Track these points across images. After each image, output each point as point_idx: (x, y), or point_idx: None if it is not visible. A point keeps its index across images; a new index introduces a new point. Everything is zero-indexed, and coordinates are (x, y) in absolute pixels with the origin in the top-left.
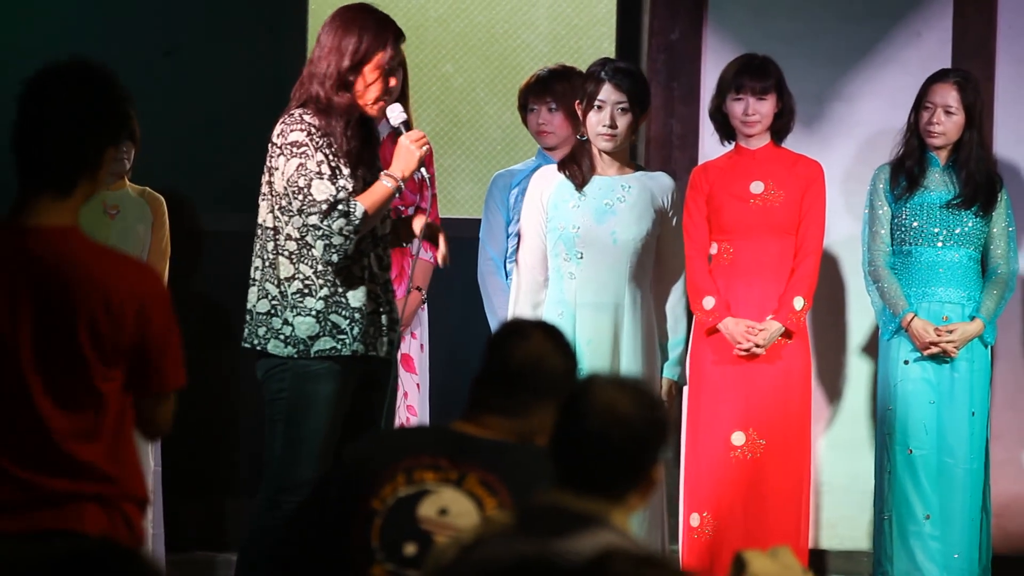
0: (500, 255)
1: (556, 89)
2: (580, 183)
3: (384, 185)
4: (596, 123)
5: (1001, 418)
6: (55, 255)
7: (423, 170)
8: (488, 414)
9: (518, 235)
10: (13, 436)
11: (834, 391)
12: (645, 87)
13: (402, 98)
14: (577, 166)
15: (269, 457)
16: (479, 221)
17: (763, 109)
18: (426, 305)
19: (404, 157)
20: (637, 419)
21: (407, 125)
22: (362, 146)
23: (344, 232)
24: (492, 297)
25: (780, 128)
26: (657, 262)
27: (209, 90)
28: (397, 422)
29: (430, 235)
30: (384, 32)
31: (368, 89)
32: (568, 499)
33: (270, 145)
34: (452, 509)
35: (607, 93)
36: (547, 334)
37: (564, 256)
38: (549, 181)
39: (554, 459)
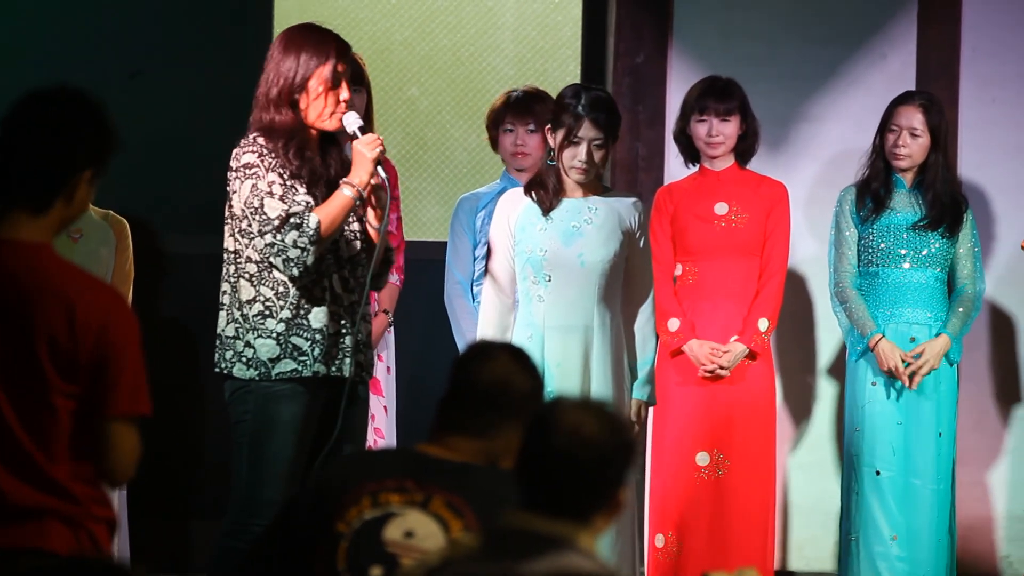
0: (467, 278)
1: (536, 110)
2: (547, 208)
3: (343, 194)
4: (571, 157)
5: (967, 440)
6: (23, 268)
7: (381, 170)
8: (454, 435)
9: (486, 258)
10: None
11: (800, 412)
12: (618, 118)
13: (366, 119)
14: (544, 190)
15: (235, 480)
16: (445, 244)
17: (727, 130)
18: (392, 328)
19: (359, 162)
20: (603, 441)
21: (362, 130)
22: (317, 164)
23: (299, 244)
24: (460, 320)
25: (744, 150)
26: (626, 283)
27: (173, 112)
28: (364, 445)
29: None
30: (323, 46)
31: (314, 104)
32: (534, 521)
33: (228, 171)
34: (418, 532)
35: (585, 130)
36: (513, 356)
37: (532, 279)
38: (516, 204)
39: (520, 481)
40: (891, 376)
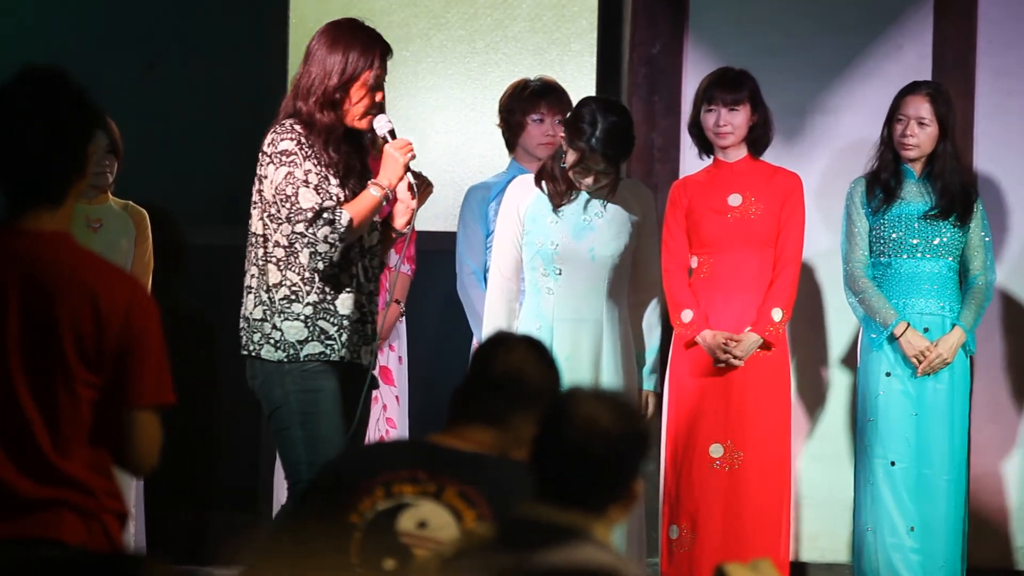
0: (480, 267)
1: (568, 101)
2: (559, 202)
3: (371, 194)
4: (581, 176)
5: (981, 431)
6: (45, 257)
7: (410, 176)
8: (468, 426)
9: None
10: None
11: (813, 403)
12: (631, 142)
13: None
14: (555, 182)
15: (292, 462)
16: (455, 234)
17: (735, 120)
18: (404, 317)
19: (390, 165)
20: (618, 432)
21: (392, 134)
22: (350, 158)
23: (329, 240)
24: (477, 309)
25: (756, 140)
26: (633, 273)
27: (191, 103)
28: (376, 435)
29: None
30: (372, 47)
31: (355, 106)
32: (549, 512)
33: (260, 154)
34: (431, 522)
35: (595, 161)
36: (531, 347)
37: (542, 271)
38: (526, 193)
39: (534, 472)
40: (917, 362)
